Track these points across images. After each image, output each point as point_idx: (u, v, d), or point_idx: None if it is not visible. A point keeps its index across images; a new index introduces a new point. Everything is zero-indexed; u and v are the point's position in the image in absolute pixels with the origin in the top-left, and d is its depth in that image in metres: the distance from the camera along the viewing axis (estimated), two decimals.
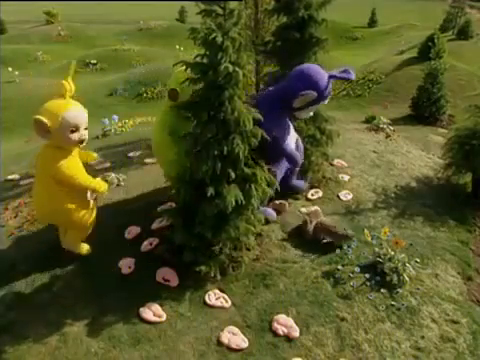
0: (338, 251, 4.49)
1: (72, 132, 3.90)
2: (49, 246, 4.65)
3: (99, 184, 4.18)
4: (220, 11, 3.78)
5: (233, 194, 3.82)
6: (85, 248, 4.51)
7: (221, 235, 4.00)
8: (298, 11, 5.11)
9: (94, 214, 4.40)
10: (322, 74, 4.58)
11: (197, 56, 3.83)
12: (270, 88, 5.01)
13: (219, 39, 3.57)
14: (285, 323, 3.74)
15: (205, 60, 3.81)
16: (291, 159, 4.81)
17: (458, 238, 5.01)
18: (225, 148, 3.78)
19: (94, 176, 4.16)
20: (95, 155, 4.58)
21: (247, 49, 4.05)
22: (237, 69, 3.68)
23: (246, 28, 6.93)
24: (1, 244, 4.77)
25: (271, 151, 4.46)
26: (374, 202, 5.53)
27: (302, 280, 4.21)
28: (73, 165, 4.01)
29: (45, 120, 3.76)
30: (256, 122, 3.99)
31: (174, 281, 4.15)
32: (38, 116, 3.77)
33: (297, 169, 5.19)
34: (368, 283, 4.14)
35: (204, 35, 3.64)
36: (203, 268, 4.02)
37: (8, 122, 13.35)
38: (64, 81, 3.95)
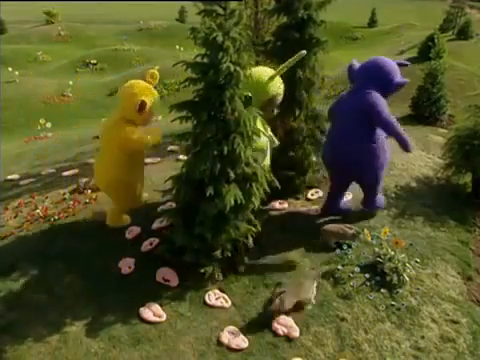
0: (338, 251, 4.49)
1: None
2: (49, 246, 4.66)
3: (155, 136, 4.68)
4: (221, 11, 3.78)
5: (232, 193, 3.82)
6: (127, 219, 4.96)
7: (221, 236, 4.00)
8: (298, 11, 5.10)
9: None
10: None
11: (197, 56, 3.83)
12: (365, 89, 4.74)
13: (220, 39, 3.57)
14: (285, 323, 3.74)
15: (205, 60, 3.81)
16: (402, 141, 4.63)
17: (458, 238, 5.01)
18: (225, 148, 3.78)
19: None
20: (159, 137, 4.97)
21: (248, 49, 4.04)
22: (238, 69, 3.68)
23: (246, 28, 6.93)
24: (1, 244, 4.77)
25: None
26: None
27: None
28: (139, 133, 4.50)
29: (147, 100, 4.40)
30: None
31: (174, 281, 4.15)
32: (143, 98, 4.38)
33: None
34: (368, 283, 4.14)
35: (205, 35, 3.64)
36: (207, 269, 4.02)
37: (8, 122, 13.35)
38: (154, 70, 4.66)
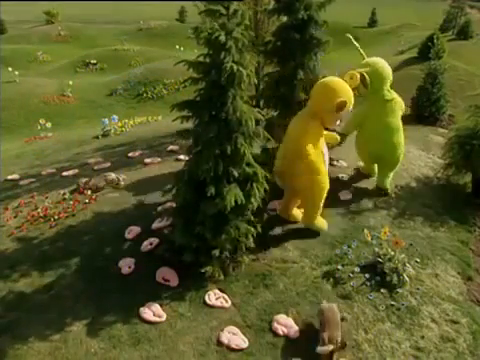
0: (338, 251, 4.50)
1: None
2: (49, 246, 4.66)
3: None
4: (223, 11, 3.77)
5: (233, 193, 3.82)
6: (325, 223, 4.77)
7: (221, 235, 4.00)
8: (298, 12, 5.09)
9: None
10: None
11: (200, 55, 3.83)
12: None
13: (222, 39, 3.56)
14: (285, 323, 3.74)
15: (208, 60, 3.80)
16: None
17: (458, 238, 5.01)
18: (228, 148, 3.78)
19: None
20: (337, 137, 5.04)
21: (249, 49, 4.04)
22: (240, 69, 3.68)
23: (248, 28, 6.92)
24: (1, 244, 4.77)
25: None
26: (374, 202, 5.52)
27: (302, 280, 4.21)
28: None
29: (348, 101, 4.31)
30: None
31: (174, 281, 4.15)
32: (342, 99, 4.26)
33: None
34: (368, 283, 4.14)
35: (207, 34, 3.64)
36: (208, 269, 4.03)
37: (8, 122, 13.34)
38: (353, 72, 4.61)
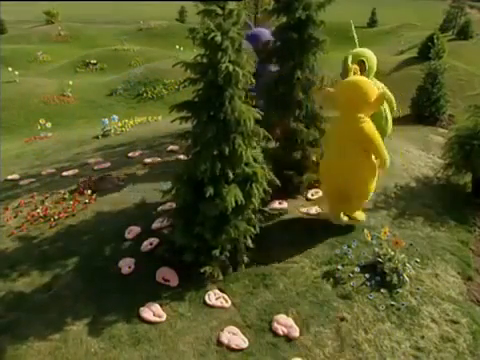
0: (338, 251, 4.49)
1: None
2: (49, 246, 4.66)
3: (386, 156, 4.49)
4: (219, 11, 3.78)
5: (233, 194, 3.82)
6: (363, 216, 4.92)
7: (221, 236, 4.00)
8: (297, 12, 5.10)
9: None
10: None
11: (196, 56, 3.83)
12: None
13: (218, 39, 3.57)
14: (285, 323, 3.74)
15: (204, 60, 3.81)
16: None
17: (458, 238, 5.01)
18: (226, 148, 3.78)
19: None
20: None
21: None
22: (237, 69, 3.68)
23: (245, 27, 6.92)
24: (1, 244, 4.78)
25: None
26: (374, 202, 5.52)
27: (302, 280, 4.21)
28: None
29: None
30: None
31: (174, 281, 4.15)
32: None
33: None
34: (368, 283, 4.13)
35: (203, 35, 3.64)
36: (207, 269, 4.03)
37: (8, 122, 13.35)
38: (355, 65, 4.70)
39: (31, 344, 3.55)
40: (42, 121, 11.03)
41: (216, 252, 4.01)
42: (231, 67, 3.62)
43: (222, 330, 3.69)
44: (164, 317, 3.79)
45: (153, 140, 7.89)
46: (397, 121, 9.97)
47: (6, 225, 5.12)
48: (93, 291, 4.08)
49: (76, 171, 6.60)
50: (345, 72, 5.09)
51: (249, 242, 4.28)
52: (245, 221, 4.18)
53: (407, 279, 4.14)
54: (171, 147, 7.25)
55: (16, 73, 16.10)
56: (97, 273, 4.27)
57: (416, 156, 7.21)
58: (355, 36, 5.85)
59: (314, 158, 5.58)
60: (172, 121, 4.10)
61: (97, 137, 8.81)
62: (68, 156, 7.73)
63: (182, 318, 3.81)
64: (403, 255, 4.25)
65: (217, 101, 3.80)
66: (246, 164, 4.04)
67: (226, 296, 4.03)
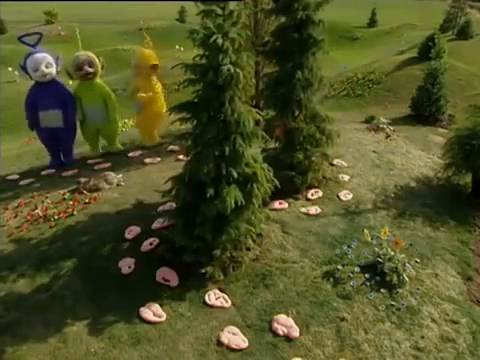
0: (338, 251, 4.49)
1: None
2: (49, 246, 4.66)
3: None
4: (219, 12, 3.77)
5: (233, 195, 3.82)
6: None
7: (221, 236, 4.00)
8: (296, 12, 5.10)
9: None
10: None
11: (196, 57, 3.82)
12: None
13: (219, 40, 3.56)
14: (285, 323, 3.74)
15: (204, 61, 3.80)
16: None
17: (458, 238, 5.01)
18: (227, 149, 3.78)
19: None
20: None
21: (247, 49, 4.05)
22: (237, 70, 3.67)
23: (245, 28, 6.93)
24: (1, 244, 4.77)
25: None
26: (374, 202, 5.53)
27: (302, 280, 4.21)
28: None
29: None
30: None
31: (174, 281, 4.15)
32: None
33: None
34: (368, 283, 4.14)
35: (203, 36, 3.63)
36: (208, 269, 4.03)
37: (8, 122, 13.35)
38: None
39: (31, 344, 3.55)
40: None
41: (217, 252, 4.02)
42: (232, 68, 3.62)
43: (222, 330, 3.69)
44: (164, 317, 3.79)
45: None
46: (397, 121, 10.00)
47: (6, 225, 5.12)
48: (93, 291, 4.07)
49: (76, 171, 6.59)
50: None
51: (250, 242, 4.28)
52: (245, 221, 4.18)
53: (407, 279, 4.14)
54: (171, 147, 7.25)
55: (16, 73, 16.09)
56: (97, 273, 4.27)
57: (416, 156, 7.21)
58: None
59: (314, 158, 5.59)
60: (171, 123, 4.10)
61: None
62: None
63: (182, 318, 3.81)
64: (403, 255, 4.25)
65: (217, 102, 3.80)
66: (246, 164, 4.04)
67: (226, 296, 4.03)
